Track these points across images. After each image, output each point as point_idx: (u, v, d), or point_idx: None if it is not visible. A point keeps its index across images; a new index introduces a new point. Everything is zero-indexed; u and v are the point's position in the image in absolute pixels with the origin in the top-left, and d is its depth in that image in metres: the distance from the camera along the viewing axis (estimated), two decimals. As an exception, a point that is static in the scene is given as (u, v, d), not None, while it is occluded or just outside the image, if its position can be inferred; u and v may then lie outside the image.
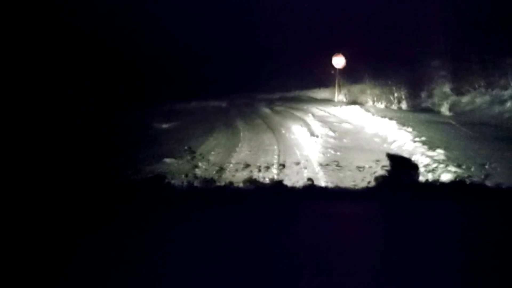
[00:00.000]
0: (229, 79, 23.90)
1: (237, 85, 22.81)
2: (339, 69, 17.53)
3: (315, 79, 21.85)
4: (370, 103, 16.42)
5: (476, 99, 14.37)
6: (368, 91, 16.96)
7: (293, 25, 24.76)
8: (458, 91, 15.89)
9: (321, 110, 13.93)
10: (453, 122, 10.94)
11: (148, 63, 19.57)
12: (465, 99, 14.96)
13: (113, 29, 17.72)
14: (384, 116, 11.27)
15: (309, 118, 11.99)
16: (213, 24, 25.81)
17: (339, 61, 17.22)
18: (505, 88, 14.11)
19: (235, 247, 2.22)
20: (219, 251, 2.17)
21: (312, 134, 9.38)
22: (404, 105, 15.44)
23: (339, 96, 17.93)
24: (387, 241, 2.44)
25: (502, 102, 12.64)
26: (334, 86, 18.33)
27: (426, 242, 2.32)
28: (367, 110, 13.06)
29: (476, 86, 14.95)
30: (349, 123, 11.13)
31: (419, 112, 13.67)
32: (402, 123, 10.13)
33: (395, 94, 15.87)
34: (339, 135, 9.18)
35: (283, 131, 10.41)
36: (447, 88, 15.87)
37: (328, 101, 17.22)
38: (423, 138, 8.02)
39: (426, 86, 16.36)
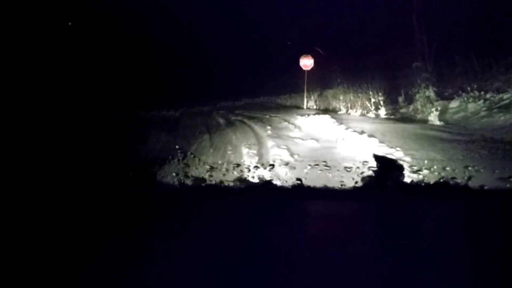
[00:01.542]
0: (194, 84, 20.74)
1: (201, 91, 19.61)
2: (308, 72, 14.33)
3: (287, 84, 18.91)
4: (343, 110, 13.34)
5: (468, 105, 11.37)
6: (341, 97, 13.89)
7: (264, 26, 21.75)
8: (444, 95, 13.02)
9: (285, 120, 10.77)
10: (448, 136, 7.89)
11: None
12: (453, 104, 12.06)
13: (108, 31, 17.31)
14: (362, 130, 8.17)
15: (267, 134, 8.87)
16: (178, 29, 22.64)
17: (307, 63, 14.07)
18: (503, 91, 11.13)
19: (229, 244, 2.16)
20: (213, 248, 2.11)
21: (260, 161, 6.18)
22: (382, 112, 12.43)
23: (309, 103, 14.80)
24: (375, 239, 2.35)
25: (506, 107, 9.59)
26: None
27: (412, 240, 2.27)
28: (340, 121, 9.94)
29: (468, 89, 11.98)
30: (316, 139, 7.99)
31: (402, 122, 10.66)
32: (386, 140, 7.04)
33: (372, 100, 12.77)
34: (298, 164, 6.01)
35: (228, 152, 7.26)
36: (431, 92, 12.82)
37: (296, 109, 14.08)
38: (425, 172, 4.98)
39: (407, 90, 13.47)
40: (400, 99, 13.58)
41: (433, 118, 10.59)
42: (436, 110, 10.84)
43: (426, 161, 5.88)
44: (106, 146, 8.15)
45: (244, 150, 7.14)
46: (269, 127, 9.66)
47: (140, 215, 2.72)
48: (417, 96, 12.95)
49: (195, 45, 22.36)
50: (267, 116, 11.93)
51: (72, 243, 2.24)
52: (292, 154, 6.65)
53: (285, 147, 7.34)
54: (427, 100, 12.66)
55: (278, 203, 3.05)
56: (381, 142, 7.10)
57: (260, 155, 6.71)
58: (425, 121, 10.64)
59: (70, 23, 15.72)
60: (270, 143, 7.82)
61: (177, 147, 7.95)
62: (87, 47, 16.36)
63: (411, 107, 12.89)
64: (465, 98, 11.70)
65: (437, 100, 12.41)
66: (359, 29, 16.21)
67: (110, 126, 11.07)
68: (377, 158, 3.79)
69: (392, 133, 8.15)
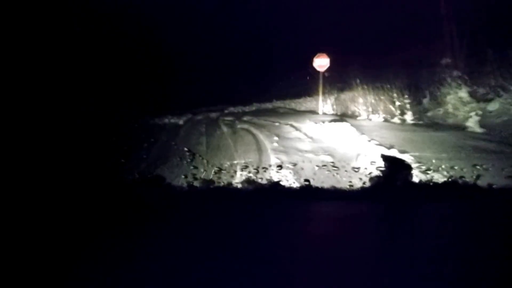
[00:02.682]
0: (204, 87, 19.09)
1: (210, 95, 17.94)
2: (324, 72, 12.53)
3: (301, 86, 17.03)
4: (363, 115, 11.52)
5: (510, 106, 9.41)
6: (361, 100, 12.03)
7: (276, 24, 19.99)
8: (478, 96, 11.07)
9: (296, 129, 9.05)
10: (499, 148, 6.03)
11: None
12: (492, 106, 10.13)
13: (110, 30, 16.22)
14: (389, 143, 6.35)
15: (272, 147, 7.22)
16: (186, 28, 21.07)
17: (322, 63, 12.30)
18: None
19: (237, 246, 2.13)
20: (222, 249, 2.08)
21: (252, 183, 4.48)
22: (409, 117, 10.57)
23: (325, 107, 12.98)
24: (382, 241, 2.28)
25: None
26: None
27: (422, 240, 2.21)
28: (361, 129, 8.18)
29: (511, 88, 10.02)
30: (330, 153, 6.25)
31: (435, 129, 8.84)
32: (425, 158, 5.28)
33: (397, 103, 10.89)
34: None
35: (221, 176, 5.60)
36: (464, 93, 10.95)
37: (310, 114, 12.30)
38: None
39: (436, 90, 11.59)
40: (428, 101, 11.72)
41: (472, 124, 8.70)
42: (476, 114, 8.90)
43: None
44: (110, 147, 7.80)
45: (237, 175, 5.42)
46: (276, 138, 7.95)
47: (148, 217, 2.61)
48: (448, 97, 11.10)
49: (205, 45, 20.73)
50: (277, 124, 10.20)
51: (79, 245, 2.15)
52: (296, 179, 4.91)
53: (291, 166, 5.65)
54: (460, 101, 10.82)
55: (286, 205, 2.96)
56: (419, 162, 5.32)
57: (254, 183, 4.98)
58: (462, 128, 8.76)
59: (72, 23, 14.76)
60: (273, 159, 6.14)
61: (185, 149, 7.46)
62: (89, 47, 15.49)
63: (441, 110, 11.03)
64: (506, 99, 9.79)
65: (472, 102, 10.55)
66: (378, 24, 14.32)
67: (113, 127, 10.70)
68: (385, 158, 3.59)
69: (430, 146, 6.41)
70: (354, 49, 14.06)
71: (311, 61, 12.95)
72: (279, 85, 19.11)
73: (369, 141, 6.85)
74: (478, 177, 3.96)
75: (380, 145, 6.39)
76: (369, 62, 13.68)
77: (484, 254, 2.00)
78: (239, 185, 3.82)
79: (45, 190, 3.06)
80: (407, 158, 5.48)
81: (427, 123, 9.95)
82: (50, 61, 12.52)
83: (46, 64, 12.28)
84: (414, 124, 9.97)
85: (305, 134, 8.38)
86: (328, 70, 12.55)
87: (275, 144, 7.35)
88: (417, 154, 5.73)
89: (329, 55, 12.58)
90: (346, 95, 13.45)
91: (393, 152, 5.77)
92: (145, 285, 1.74)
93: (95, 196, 2.97)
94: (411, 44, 13.58)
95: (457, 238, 2.25)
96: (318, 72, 12.68)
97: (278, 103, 17.14)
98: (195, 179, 5.00)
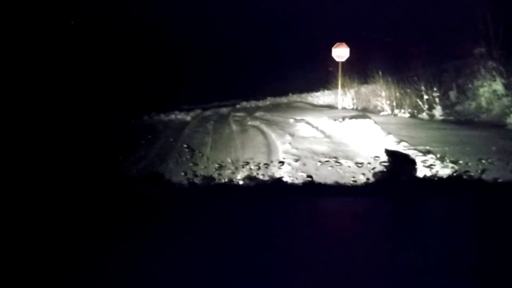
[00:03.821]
0: (219, 82, 18.23)
1: (224, 90, 17.05)
2: (343, 63, 11.47)
3: (321, 79, 16.02)
4: (387, 110, 10.41)
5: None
6: (384, 93, 10.92)
7: (293, 11, 18.97)
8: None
9: (313, 126, 8.10)
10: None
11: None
12: (532, 100, 8.96)
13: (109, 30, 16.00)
14: (423, 145, 5.32)
15: (283, 149, 6.39)
16: (204, 22, 20.20)
17: (341, 53, 11.24)
18: None
19: (239, 243, 2.08)
20: (224, 247, 2.03)
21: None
22: (438, 112, 9.50)
23: (344, 101, 11.93)
24: (386, 236, 2.22)
25: None
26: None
27: (426, 235, 2.18)
28: (386, 127, 7.15)
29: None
30: (350, 158, 5.27)
31: (471, 127, 7.86)
32: (470, 165, 4.28)
33: (424, 96, 9.80)
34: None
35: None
36: (499, 85, 9.84)
37: (328, 109, 11.29)
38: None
39: (468, 82, 10.48)
40: (459, 94, 10.61)
41: (515, 121, 7.57)
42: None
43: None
44: (111, 146, 7.69)
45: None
46: (289, 138, 7.02)
47: (149, 215, 2.50)
48: (481, 90, 9.97)
49: (218, 38, 19.84)
50: (291, 120, 9.22)
51: (78, 244, 2.09)
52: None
53: (302, 174, 4.69)
54: (494, 95, 9.70)
55: (288, 201, 2.82)
56: (468, 174, 4.29)
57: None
58: (500, 125, 7.64)
59: (72, 23, 14.59)
60: (283, 167, 5.14)
61: (184, 145, 7.26)
62: (98, 44, 15.08)
63: (473, 104, 9.92)
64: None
65: (507, 95, 9.43)
66: (403, 10, 13.20)
67: (113, 126, 10.49)
68: (388, 152, 3.30)
69: (477, 150, 5.31)
70: (376, 37, 12.98)
71: (329, 51, 11.96)
72: (295, 77, 18.14)
73: (398, 142, 5.82)
74: (483, 171, 3.67)
75: (413, 148, 5.37)
76: (393, 51, 12.60)
77: (490, 248, 1.96)
78: (241, 182, 3.60)
79: (44, 189, 3.00)
80: (453, 168, 4.46)
81: (460, 120, 8.87)
82: (50, 61, 12.40)
83: (46, 64, 12.19)
84: (444, 121, 8.92)
85: (323, 132, 7.40)
86: (348, 60, 11.52)
87: (287, 146, 6.39)
88: (462, 160, 4.70)
89: (349, 44, 11.55)
90: (367, 88, 12.43)
91: (430, 159, 4.74)
92: (148, 283, 1.69)
93: (93, 194, 2.94)
94: (440, 32, 12.44)
95: (463, 232, 2.18)
96: (337, 62, 11.65)
97: (294, 97, 16.21)
98: (196, 176, 4.61)
